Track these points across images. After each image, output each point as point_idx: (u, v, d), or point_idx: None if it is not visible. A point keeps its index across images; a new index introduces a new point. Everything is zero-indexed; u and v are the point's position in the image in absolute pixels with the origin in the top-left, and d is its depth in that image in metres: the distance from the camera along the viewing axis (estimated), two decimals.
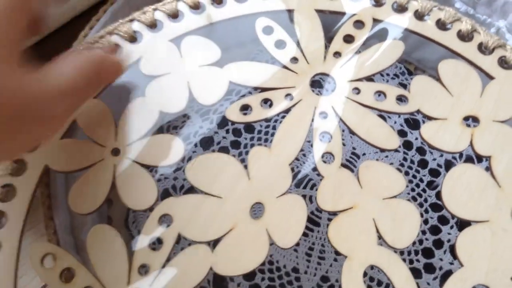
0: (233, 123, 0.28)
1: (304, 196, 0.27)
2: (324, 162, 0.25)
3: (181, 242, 0.23)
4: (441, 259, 0.33)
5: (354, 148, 0.37)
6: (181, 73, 0.27)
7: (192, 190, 0.24)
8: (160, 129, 0.26)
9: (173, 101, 0.26)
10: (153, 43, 0.28)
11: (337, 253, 0.23)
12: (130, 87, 0.27)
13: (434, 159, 0.37)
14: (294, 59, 0.28)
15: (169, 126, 0.35)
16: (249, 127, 0.37)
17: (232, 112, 0.26)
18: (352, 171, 0.26)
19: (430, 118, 0.26)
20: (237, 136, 0.37)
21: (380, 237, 0.23)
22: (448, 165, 0.36)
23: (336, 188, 0.24)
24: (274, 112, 0.26)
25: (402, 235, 0.23)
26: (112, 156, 0.25)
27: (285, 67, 0.27)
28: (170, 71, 0.27)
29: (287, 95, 0.27)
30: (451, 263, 0.32)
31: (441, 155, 0.37)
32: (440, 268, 0.32)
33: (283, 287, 0.32)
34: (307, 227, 0.33)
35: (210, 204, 0.24)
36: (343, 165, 0.25)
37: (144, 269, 0.22)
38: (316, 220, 0.34)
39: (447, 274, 0.31)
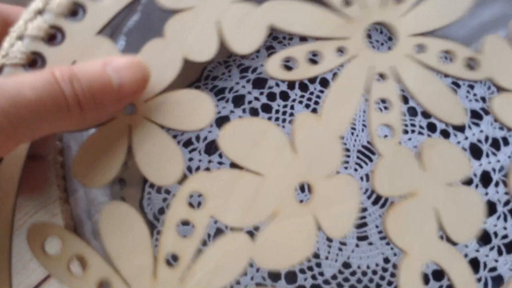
0: (273, 80, 0.23)
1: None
2: (382, 136, 0.21)
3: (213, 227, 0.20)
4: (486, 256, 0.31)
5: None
6: (209, 9, 0.21)
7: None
8: (185, 81, 0.21)
9: (200, 46, 0.21)
10: None
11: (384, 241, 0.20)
12: (146, 23, 0.21)
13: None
14: (346, 2, 0.22)
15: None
16: (291, 85, 0.33)
17: (272, 66, 0.21)
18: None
19: (503, 90, 0.22)
20: (273, 98, 0.33)
21: (441, 229, 0.20)
22: None
23: (395, 169, 0.21)
24: (323, 69, 0.22)
25: (465, 228, 0.20)
26: (125, 114, 0.20)
27: (336, 10, 0.22)
28: (195, 5, 0.21)
29: (339, 48, 0.22)
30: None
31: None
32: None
33: (303, 272, 0.30)
34: None
35: (249, 182, 0.20)
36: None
37: (172, 260, 0.19)
38: None
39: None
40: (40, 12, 0.20)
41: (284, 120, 0.34)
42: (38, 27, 0.20)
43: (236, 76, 0.32)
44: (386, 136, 0.21)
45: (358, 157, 0.34)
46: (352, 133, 0.34)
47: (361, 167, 0.33)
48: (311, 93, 0.34)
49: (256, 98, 0.33)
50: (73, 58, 0.20)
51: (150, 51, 0.21)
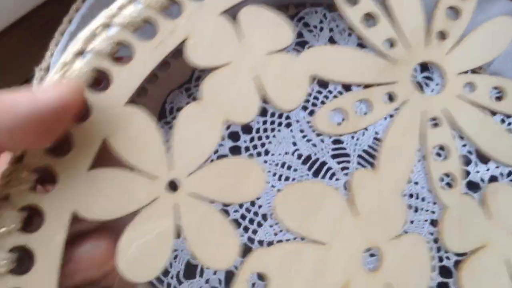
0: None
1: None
2: (444, 187, 0.20)
3: None
4: None
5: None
6: (246, 64, 0.19)
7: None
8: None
9: (240, 106, 0.19)
10: (200, 17, 0.20)
11: None
12: (179, 84, 0.19)
13: None
14: (389, 42, 0.21)
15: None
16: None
17: (321, 119, 0.20)
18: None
19: None
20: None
21: None
22: None
23: (462, 222, 0.19)
24: (374, 118, 0.20)
25: None
26: (169, 191, 0.18)
27: (379, 52, 0.21)
28: (231, 61, 0.19)
29: (388, 94, 0.20)
30: None
31: None
32: None
33: None
34: None
35: (312, 254, 0.18)
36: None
37: None
38: None
39: None
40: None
41: (280, 124, 0.34)
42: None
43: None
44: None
45: (358, 163, 0.33)
46: (352, 137, 0.33)
47: None
48: (309, 94, 0.34)
49: None
50: None
51: (187, 118, 0.19)
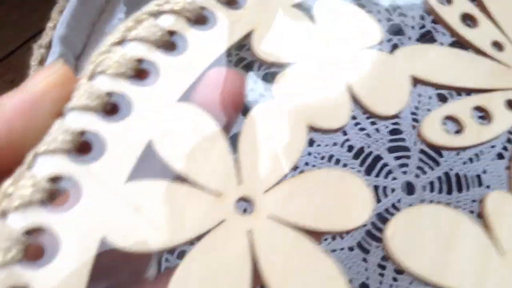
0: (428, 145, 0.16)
1: None
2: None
3: None
4: None
5: None
6: (328, 61, 0.15)
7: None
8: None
9: (327, 109, 0.14)
10: (266, 7, 0.16)
11: None
12: (244, 85, 0.15)
13: None
14: (496, 45, 0.17)
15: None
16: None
17: (431, 128, 0.15)
18: None
19: None
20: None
21: None
22: None
23: None
24: (497, 130, 0.15)
25: None
26: (239, 213, 0.12)
27: (487, 56, 0.17)
28: (307, 56, 0.15)
29: (507, 102, 0.16)
30: None
31: None
32: None
33: None
34: None
35: None
36: None
37: None
38: None
39: None
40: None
41: None
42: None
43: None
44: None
45: (420, 159, 0.27)
46: (414, 127, 0.27)
47: (424, 172, 0.26)
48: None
49: None
50: None
51: (260, 119, 0.14)
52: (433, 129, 0.15)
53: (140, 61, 0.14)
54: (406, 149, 0.26)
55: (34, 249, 0.11)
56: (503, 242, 0.13)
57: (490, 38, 0.17)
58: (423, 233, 0.13)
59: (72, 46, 0.25)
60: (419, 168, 0.26)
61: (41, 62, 0.25)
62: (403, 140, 0.27)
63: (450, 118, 0.15)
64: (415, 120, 0.26)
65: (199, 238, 0.12)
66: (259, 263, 0.12)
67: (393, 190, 0.25)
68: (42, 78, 0.13)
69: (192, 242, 0.12)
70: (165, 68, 0.14)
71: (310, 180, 0.13)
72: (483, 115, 0.16)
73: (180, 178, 0.13)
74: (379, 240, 0.23)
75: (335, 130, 0.14)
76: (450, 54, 0.16)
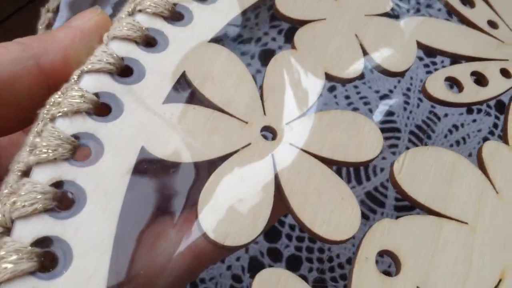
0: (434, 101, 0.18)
1: None
2: None
3: None
4: None
5: None
6: (344, 21, 0.17)
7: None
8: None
9: (343, 60, 0.16)
10: None
11: None
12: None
13: None
14: (491, 23, 0.19)
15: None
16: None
17: (434, 84, 0.16)
18: None
19: None
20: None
21: None
22: None
23: None
24: (492, 92, 0.17)
25: None
26: (263, 139, 0.14)
27: (483, 31, 0.18)
28: (326, 16, 0.17)
29: (502, 70, 0.18)
30: None
31: None
32: None
33: None
34: None
35: (453, 233, 0.13)
36: None
37: None
38: None
39: None
40: None
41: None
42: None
43: (265, 24, 0.26)
44: None
45: (410, 140, 0.27)
46: (405, 109, 0.28)
47: None
48: None
49: None
50: None
51: (281, 65, 0.15)
52: (437, 86, 0.16)
53: (175, 4, 0.15)
54: (397, 130, 0.27)
55: (80, 150, 0.12)
56: (497, 182, 0.15)
57: (486, 17, 0.19)
58: (427, 169, 0.14)
59: (79, 11, 0.26)
60: (408, 149, 0.27)
61: (48, 26, 0.26)
62: (394, 122, 0.28)
63: (451, 79, 0.17)
64: (406, 102, 0.28)
65: (227, 156, 0.13)
66: (281, 181, 0.13)
67: (382, 169, 0.26)
68: (87, 18, 0.15)
69: (221, 159, 0.13)
70: (198, 12, 0.15)
71: (327, 118, 0.14)
72: (480, 79, 0.17)
73: (212, 106, 0.14)
74: (367, 218, 0.24)
75: (348, 80, 0.16)
76: (452, 26, 0.18)
